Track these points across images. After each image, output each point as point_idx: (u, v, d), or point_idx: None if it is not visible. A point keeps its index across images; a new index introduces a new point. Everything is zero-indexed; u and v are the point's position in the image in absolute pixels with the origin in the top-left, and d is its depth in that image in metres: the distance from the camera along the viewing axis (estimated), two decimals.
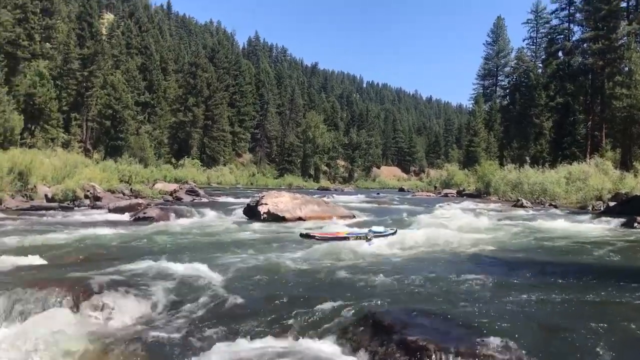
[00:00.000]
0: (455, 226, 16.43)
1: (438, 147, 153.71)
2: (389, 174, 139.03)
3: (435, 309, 6.35)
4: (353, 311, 6.26)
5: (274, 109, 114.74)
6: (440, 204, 28.86)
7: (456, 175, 61.18)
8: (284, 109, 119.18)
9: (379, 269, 9.21)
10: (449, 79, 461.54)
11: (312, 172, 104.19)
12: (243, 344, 5.56)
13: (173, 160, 73.36)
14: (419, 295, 7.27)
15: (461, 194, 48.86)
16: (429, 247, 12.62)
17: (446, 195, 50.43)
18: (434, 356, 4.99)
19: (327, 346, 5.59)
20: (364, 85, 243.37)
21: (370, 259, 10.72)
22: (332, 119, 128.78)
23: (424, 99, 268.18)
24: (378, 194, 56.59)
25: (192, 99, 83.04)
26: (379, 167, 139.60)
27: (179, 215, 19.86)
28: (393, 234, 13.55)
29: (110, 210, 21.72)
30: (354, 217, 21.26)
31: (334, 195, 44.67)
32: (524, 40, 77.43)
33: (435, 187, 66.38)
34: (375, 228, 13.45)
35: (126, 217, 19.90)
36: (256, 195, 23.54)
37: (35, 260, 9.92)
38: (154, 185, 38.89)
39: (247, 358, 5.21)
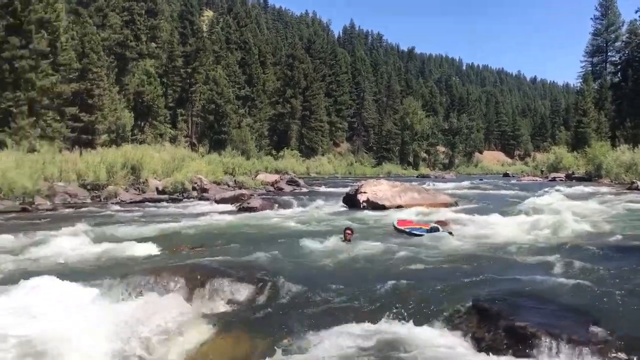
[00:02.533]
0: (564, 211, 15.77)
1: (544, 129, 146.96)
2: (492, 159, 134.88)
3: (544, 297, 6.20)
4: (458, 299, 6.23)
5: (370, 97, 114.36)
6: (548, 189, 27.70)
7: (564, 158, 58.32)
8: (380, 96, 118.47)
9: (482, 257, 9.08)
10: (554, 58, 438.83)
11: (410, 159, 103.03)
12: (350, 328, 5.70)
13: (273, 151, 75.01)
14: (525, 283, 7.10)
15: (570, 178, 46.64)
16: (537, 234, 12.24)
17: (554, 179, 48.26)
18: (544, 343, 4.90)
19: (433, 332, 5.62)
20: (464, 68, 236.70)
21: (470, 247, 10.57)
22: (430, 104, 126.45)
23: (528, 79, 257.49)
24: (481, 179, 55.13)
25: (290, 90, 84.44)
26: (481, 152, 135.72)
27: (281, 205, 20.43)
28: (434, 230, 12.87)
29: (216, 201, 22.69)
30: (456, 204, 20.91)
31: (434, 182, 44.06)
32: (636, 12, 72.03)
33: (542, 171, 63.61)
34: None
35: (231, 207, 20.71)
36: (355, 184, 23.69)
37: (150, 248, 10.62)
38: (256, 176, 40.07)
39: (355, 342, 5.36)
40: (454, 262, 8.75)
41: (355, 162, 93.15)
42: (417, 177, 71.16)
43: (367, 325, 5.77)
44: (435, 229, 12.32)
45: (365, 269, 8.47)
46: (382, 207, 19.27)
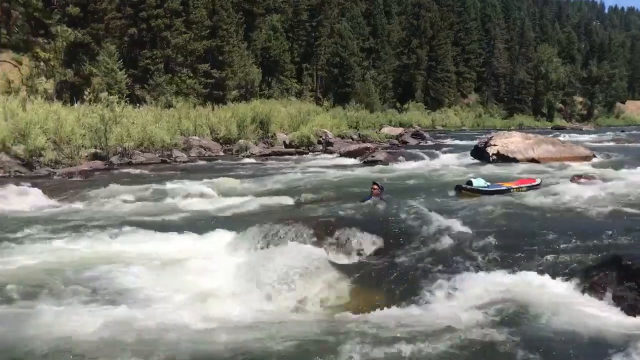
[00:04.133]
0: None
1: None
2: (636, 109, 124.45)
3: None
4: (595, 255, 5.95)
5: (501, 45, 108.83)
6: None
7: None
8: (512, 44, 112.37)
9: (622, 213, 8.54)
10: None
11: (544, 110, 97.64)
12: (483, 279, 5.69)
13: (397, 104, 74.14)
14: None
15: None
16: None
17: None
18: None
19: (569, 288, 5.46)
20: (606, 11, 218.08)
21: (610, 203, 9.93)
22: (567, 51, 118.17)
23: None
24: (622, 131, 51.17)
25: (416, 40, 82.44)
26: (623, 102, 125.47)
27: (406, 158, 20.30)
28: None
29: (341, 155, 22.99)
30: (593, 156, 19.69)
31: (570, 134, 41.61)
32: None
33: None
34: (475, 182, 12.21)
35: (356, 160, 20.91)
36: (483, 136, 22.99)
37: (280, 199, 11.05)
38: (380, 129, 39.90)
39: (489, 293, 5.33)
40: (592, 218, 8.32)
41: (484, 113, 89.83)
42: (551, 129, 67.47)
43: (501, 277, 5.72)
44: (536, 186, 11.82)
45: (497, 220, 8.28)
46: (514, 160, 18.59)
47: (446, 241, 6.93)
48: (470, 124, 78.19)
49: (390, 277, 6.24)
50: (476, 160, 19.82)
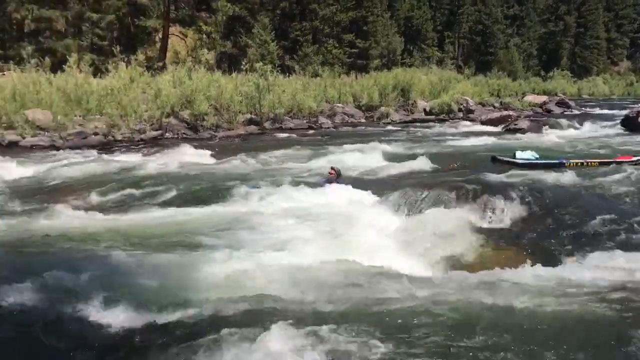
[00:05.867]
0: None
1: None
2: None
3: None
4: None
5: None
6: None
7: None
8: None
9: None
10: None
11: None
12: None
13: (541, 72, 69.87)
14: None
15: None
16: None
17: None
18: None
19: None
20: None
21: None
22: None
23: None
24: None
25: (564, 6, 76.69)
26: None
27: (550, 126, 19.18)
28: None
29: (482, 122, 22.26)
30: None
31: None
32: None
33: None
34: (520, 154, 10.72)
35: (497, 128, 20.11)
36: (634, 106, 21.04)
37: (422, 164, 10.91)
38: (522, 97, 37.87)
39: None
40: None
41: (636, 82, 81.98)
42: None
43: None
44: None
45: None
46: None
47: (587, 213, 6.55)
48: (620, 93, 71.66)
49: (528, 241, 6.16)
50: (627, 131, 18.19)
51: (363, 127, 21.81)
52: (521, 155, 10.85)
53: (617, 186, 8.12)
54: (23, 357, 3.68)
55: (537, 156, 10.93)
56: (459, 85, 32.77)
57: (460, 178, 8.52)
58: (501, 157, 10.84)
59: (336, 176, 9.30)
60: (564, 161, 10.61)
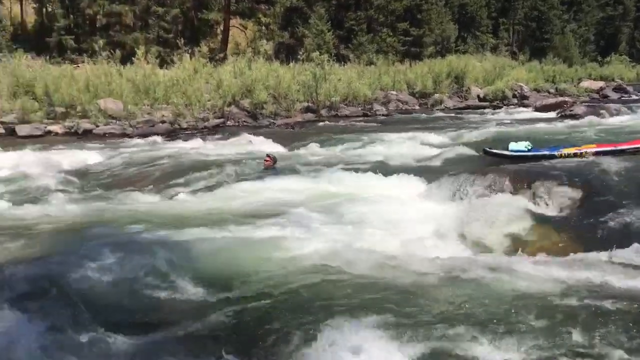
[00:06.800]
0: None
1: None
2: None
3: None
4: None
5: None
6: None
7: None
8: None
9: None
10: None
11: None
12: None
13: (598, 57, 67.12)
14: None
15: None
16: None
17: None
18: None
19: None
20: None
21: None
22: None
23: None
24: None
25: None
26: None
27: (608, 112, 18.50)
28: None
29: (536, 109, 21.76)
30: None
31: None
32: None
33: None
34: (513, 145, 9.80)
35: (552, 114, 19.62)
36: None
37: (475, 150, 10.83)
38: (578, 83, 36.59)
39: None
40: None
41: None
42: None
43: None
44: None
45: None
46: None
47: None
48: None
49: (585, 228, 6.08)
50: None
51: (417, 114, 21.71)
52: (514, 147, 9.98)
53: None
54: (111, 329, 3.96)
55: (530, 147, 10.01)
56: (514, 71, 32.03)
57: (513, 164, 8.46)
58: (492, 150, 10.17)
59: (272, 162, 9.41)
60: (555, 152, 9.50)
